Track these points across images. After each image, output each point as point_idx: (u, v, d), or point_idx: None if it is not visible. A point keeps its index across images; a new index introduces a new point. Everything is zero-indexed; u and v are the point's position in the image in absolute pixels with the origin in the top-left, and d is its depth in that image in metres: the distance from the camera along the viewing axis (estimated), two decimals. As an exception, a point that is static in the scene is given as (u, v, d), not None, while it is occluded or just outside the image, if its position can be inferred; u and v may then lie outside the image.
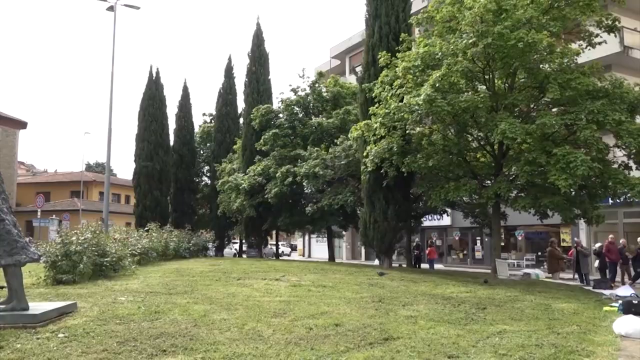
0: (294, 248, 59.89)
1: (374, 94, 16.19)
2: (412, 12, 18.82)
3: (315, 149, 21.25)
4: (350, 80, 35.01)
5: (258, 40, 28.22)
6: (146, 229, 20.31)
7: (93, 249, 11.36)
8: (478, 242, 34.78)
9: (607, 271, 19.34)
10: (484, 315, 7.85)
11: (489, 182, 15.82)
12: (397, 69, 14.91)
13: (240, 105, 31.31)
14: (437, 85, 13.10)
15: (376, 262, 28.29)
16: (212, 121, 34.49)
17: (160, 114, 30.06)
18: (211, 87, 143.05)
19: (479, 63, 13.94)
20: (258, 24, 28.62)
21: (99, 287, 9.92)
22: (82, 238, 11.22)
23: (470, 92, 14.84)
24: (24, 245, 6.56)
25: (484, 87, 15.05)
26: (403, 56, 14.77)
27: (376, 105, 15.87)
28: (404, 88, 14.82)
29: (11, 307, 6.26)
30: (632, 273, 17.86)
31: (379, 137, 15.68)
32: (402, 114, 14.08)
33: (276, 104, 26.81)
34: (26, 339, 5.42)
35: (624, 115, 13.01)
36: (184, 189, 31.75)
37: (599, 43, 14.66)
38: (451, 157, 15.20)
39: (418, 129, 15.09)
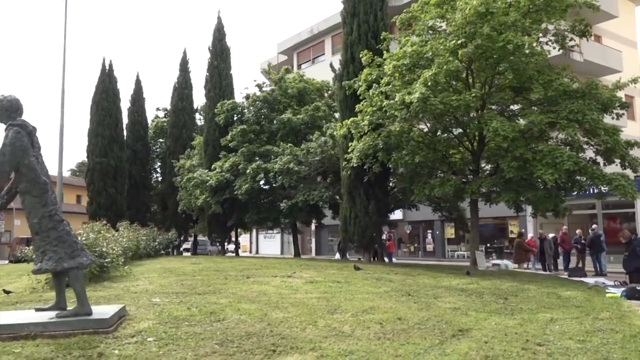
0: (237, 245, 59.22)
1: (358, 92, 16.41)
2: (388, 10, 19.17)
3: (289, 145, 21.23)
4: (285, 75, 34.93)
5: (219, 34, 27.77)
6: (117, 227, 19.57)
7: (95, 249, 10.89)
8: (429, 235, 36.02)
9: (561, 259, 20.75)
10: (516, 305, 8.25)
11: (469, 177, 16.46)
12: (384, 67, 15.19)
13: (197, 100, 30.77)
14: (429, 84, 13.51)
15: (337, 256, 28.67)
16: (166, 116, 33.56)
17: (114, 107, 28.89)
18: (163, 81, 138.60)
19: (466, 63, 14.45)
20: (219, 18, 28.16)
21: (113, 289, 9.55)
22: (84, 239, 10.72)
23: (450, 91, 15.36)
24: (82, 247, 6.27)
25: (462, 85, 15.63)
26: (391, 55, 15.06)
27: (362, 102, 16.10)
28: (390, 86, 15.15)
29: (74, 312, 5.97)
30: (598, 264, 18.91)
31: (362, 133, 15.96)
32: (392, 111, 14.39)
33: (239, 99, 26.56)
34: (114, 345, 5.21)
35: (599, 114, 14.00)
36: (139, 186, 30.76)
37: (572, 46, 15.59)
38: (436, 154, 15.70)
39: (396, 126, 15.37)
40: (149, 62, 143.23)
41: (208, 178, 23.47)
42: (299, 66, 44.34)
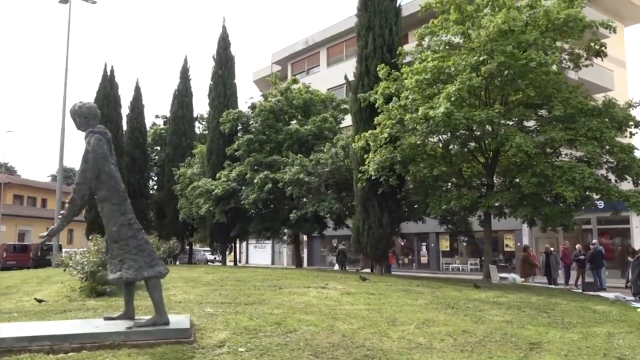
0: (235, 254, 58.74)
1: (376, 105, 16.57)
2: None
3: (299, 155, 21.28)
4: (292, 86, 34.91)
5: (224, 43, 27.77)
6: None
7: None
8: (424, 247, 36.27)
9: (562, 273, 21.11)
10: (562, 319, 8.40)
11: (482, 191, 16.69)
12: (405, 81, 15.38)
13: (197, 108, 30.67)
14: (452, 99, 13.74)
15: (336, 267, 28.71)
16: (166, 124, 33.36)
17: (115, 114, 28.63)
18: (162, 89, 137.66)
19: (486, 80, 14.70)
20: (224, 27, 28.18)
21: (144, 299, 9.44)
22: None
23: (465, 105, 15.60)
24: (158, 256, 6.26)
25: (477, 100, 15.90)
26: (412, 69, 15.26)
27: (380, 115, 16.25)
28: (410, 100, 15.34)
29: (153, 322, 5.94)
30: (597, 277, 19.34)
31: (379, 146, 16.12)
32: (414, 125, 14.57)
33: (243, 109, 26.57)
34: (210, 355, 5.20)
35: (615, 132, 14.38)
36: (137, 194, 30.39)
37: (586, 66, 15.98)
38: (452, 167, 15.91)
39: (416, 138, 15.56)
40: (147, 69, 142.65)
41: (213, 187, 23.36)
42: (293, 77, 44.57)
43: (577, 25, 14.65)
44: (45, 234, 5.98)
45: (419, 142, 15.58)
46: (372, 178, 16.39)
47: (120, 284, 6.20)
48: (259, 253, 50.16)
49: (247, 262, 49.84)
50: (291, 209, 22.18)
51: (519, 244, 29.37)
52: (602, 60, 15.81)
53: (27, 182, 57.45)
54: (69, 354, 5.21)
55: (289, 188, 20.51)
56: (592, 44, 15.41)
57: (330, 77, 38.80)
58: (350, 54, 40.25)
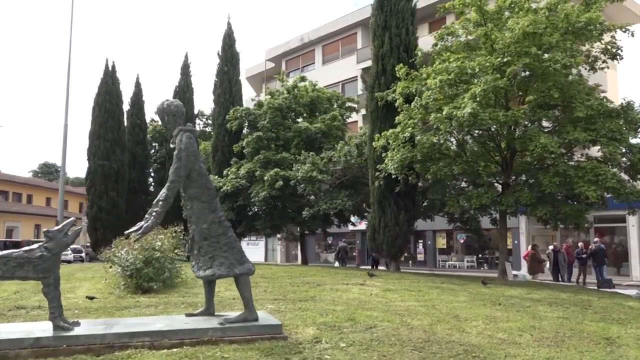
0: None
1: (396, 104, 16.75)
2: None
3: (311, 153, 21.37)
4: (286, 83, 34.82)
5: (230, 40, 27.69)
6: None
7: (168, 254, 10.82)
8: (420, 245, 36.62)
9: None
10: (608, 315, 8.66)
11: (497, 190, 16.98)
12: (428, 81, 15.55)
13: (198, 104, 30.51)
14: (477, 99, 13.97)
15: (336, 264, 28.89)
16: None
17: (117, 110, 28.28)
18: (161, 85, 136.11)
19: (510, 81, 14.95)
20: (229, 24, 28.09)
21: (194, 296, 9.52)
22: (160, 244, 10.62)
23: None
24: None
25: (495, 101, 16.18)
26: (435, 69, 15.45)
27: (401, 114, 16.43)
28: (431, 99, 15.53)
29: (243, 318, 6.01)
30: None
31: (399, 145, 16.30)
32: (439, 124, 14.77)
33: (249, 106, 26.51)
34: (317, 351, 5.28)
35: (633, 134, 14.78)
36: (137, 191, 30.17)
37: (601, 68, 16.35)
38: (472, 166, 16.16)
39: (440, 137, 15.80)
40: (146, 65, 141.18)
41: (221, 184, 23.33)
42: (287, 74, 44.56)
43: (596, 28, 15.00)
44: (134, 230, 5.99)
45: (442, 142, 15.81)
46: (392, 176, 16.58)
47: (213, 280, 6.24)
48: (252, 250, 50.07)
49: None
50: (299, 206, 22.25)
51: (515, 242, 29.82)
52: (618, 63, 16.16)
53: (11, 178, 56.23)
54: (174, 350, 5.25)
55: (302, 186, 20.60)
56: (609, 47, 15.76)
57: (326, 75, 38.88)
58: (346, 52, 40.39)
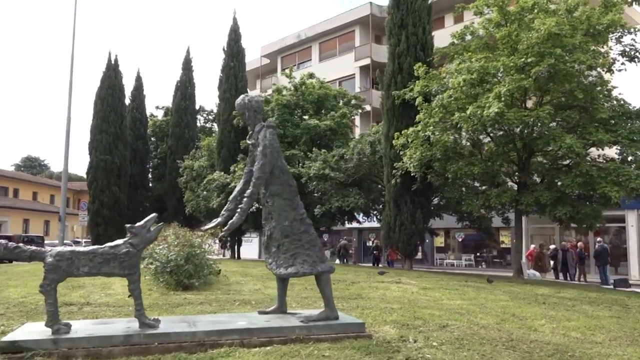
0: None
1: (416, 103, 16.78)
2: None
3: (322, 150, 21.32)
4: (282, 80, 34.62)
5: (235, 35, 27.53)
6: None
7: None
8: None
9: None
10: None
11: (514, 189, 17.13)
12: (451, 80, 15.61)
13: (199, 99, 30.32)
14: (502, 99, 14.06)
15: (337, 261, 28.92)
16: (166, 115, 32.80)
17: (119, 104, 27.96)
18: (160, 79, 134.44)
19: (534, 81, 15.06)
20: (235, 19, 27.93)
21: (245, 294, 9.45)
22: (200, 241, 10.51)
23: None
24: (323, 252, 6.28)
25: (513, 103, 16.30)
26: (459, 69, 15.51)
27: (420, 113, 16.47)
28: (452, 99, 15.59)
29: (325, 316, 5.96)
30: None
31: (418, 144, 16.35)
32: (463, 123, 14.83)
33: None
34: (416, 349, 5.24)
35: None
36: (138, 186, 29.89)
37: (619, 70, 16.55)
38: (492, 165, 16.26)
39: (463, 136, 15.90)
40: (148, 59, 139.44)
41: (229, 180, 23.17)
42: (283, 71, 44.38)
43: (616, 31, 15.18)
44: (213, 226, 5.91)
45: (463, 141, 15.88)
46: (411, 174, 16.63)
47: (296, 277, 6.17)
48: (246, 247, 49.88)
49: (238, 257, 49.54)
50: (307, 203, 22.16)
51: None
52: (637, 65, 16.37)
53: (-2, 171, 55.23)
54: (268, 348, 5.19)
55: (314, 183, 20.55)
56: (628, 49, 15.97)
57: (322, 73, 38.89)
58: (343, 50, 40.34)
